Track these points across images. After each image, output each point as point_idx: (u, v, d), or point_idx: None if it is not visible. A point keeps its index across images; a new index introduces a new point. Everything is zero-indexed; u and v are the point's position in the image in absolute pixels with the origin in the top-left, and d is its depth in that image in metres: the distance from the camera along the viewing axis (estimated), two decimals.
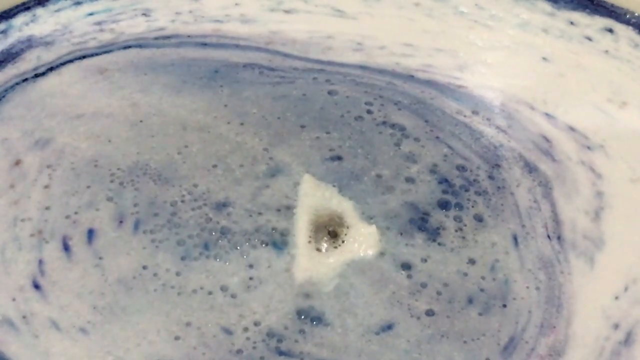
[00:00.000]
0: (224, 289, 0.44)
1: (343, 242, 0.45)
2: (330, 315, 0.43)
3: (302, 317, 0.43)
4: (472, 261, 0.45)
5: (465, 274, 0.45)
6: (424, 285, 0.44)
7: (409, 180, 0.48)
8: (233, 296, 0.44)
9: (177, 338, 0.42)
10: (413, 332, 0.43)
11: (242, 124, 0.50)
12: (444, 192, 0.48)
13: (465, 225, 0.47)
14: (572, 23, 0.53)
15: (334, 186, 0.47)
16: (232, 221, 0.46)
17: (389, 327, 0.43)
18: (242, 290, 0.44)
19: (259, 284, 0.44)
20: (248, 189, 0.47)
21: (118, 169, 0.48)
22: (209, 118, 0.50)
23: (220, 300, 0.43)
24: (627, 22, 0.53)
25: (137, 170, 0.47)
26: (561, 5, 0.53)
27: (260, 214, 0.46)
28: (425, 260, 0.45)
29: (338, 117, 0.50)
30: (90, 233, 0.45)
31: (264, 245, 0.45)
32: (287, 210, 0.46)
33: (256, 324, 0.43)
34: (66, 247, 0.45)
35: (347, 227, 0.46)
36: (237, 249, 0.45)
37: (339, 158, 0.49)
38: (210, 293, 0.44)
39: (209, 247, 0.45)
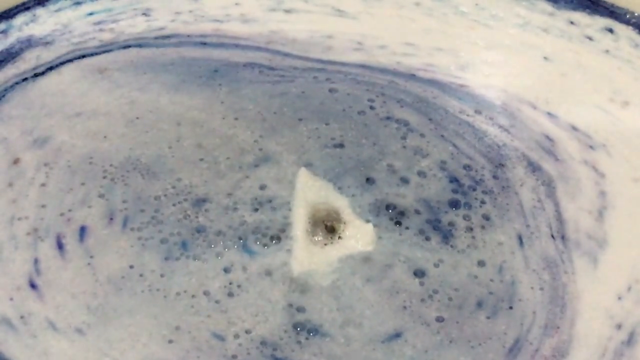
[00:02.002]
0: (206, 293, 0.42)
1: (340, 237, 0.44)
2: (331, 328, 0.42)
3: (298, 329, 0.42)
4: (481, 263, 0.44)
5: (476, 277, 0.44)
6: (435, 292, 0.43)
7: (421, 174, 0.47)
8: (217, 302, 0.42)
9: (170, 342, 0.41)
10: (421, 339, 0.42)
11: (236, 118, 0.48)
12: (454, 191, 0.46)
13: (474, 225, 0.45)
14: (572, 23, 0.52)
15: (329, 181, 0.46)
16: (209, 219, 0.44)
17: (398, 335, 0.42)
18: (224, 295, 0.42)
19: (240, 291, 0.43)
20: (229, 181, 0.46)
21: (111, 165, 0.46)
22: (204, 114, 0.49)
23: (204, 305, 0.42)
24: (627, 22, 0.52)
25: (128, 166, 0.46)
26: (561, 5, 0.53)
27: (235, 209, 0.45)
28: (438, 265, 0.44)
29: (339, 111, 0.49)
30: (82, 231, 0.44)
31: (235, 246, 0.44)
32: (269, 203, 0.45)
33: (247, 331, 0.41)
34: (60, 246, 0.43)
35: (344, 223, 0.44)
36: (211, 247, 0.44)
37: (341, 145, 0.47)
38: (193, 296, 0.42)
39: (187, 247, 0.44)
